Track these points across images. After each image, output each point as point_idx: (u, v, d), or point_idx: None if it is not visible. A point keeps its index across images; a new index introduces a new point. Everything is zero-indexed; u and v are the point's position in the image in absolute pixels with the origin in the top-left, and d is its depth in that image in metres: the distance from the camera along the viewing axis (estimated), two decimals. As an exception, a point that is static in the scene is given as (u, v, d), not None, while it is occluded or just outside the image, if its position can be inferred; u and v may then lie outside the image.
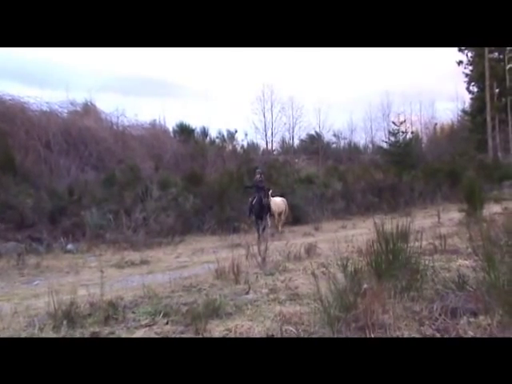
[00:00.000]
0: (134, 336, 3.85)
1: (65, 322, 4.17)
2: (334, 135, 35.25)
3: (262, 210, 12.85)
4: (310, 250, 7.85)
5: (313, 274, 4.76)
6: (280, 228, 14.61)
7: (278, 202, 14.55)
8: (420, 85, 50.23)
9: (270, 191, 13.73)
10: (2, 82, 24.10)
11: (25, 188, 12.40)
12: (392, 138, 29.12)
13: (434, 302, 3.75)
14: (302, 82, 44.64)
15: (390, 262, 4.32)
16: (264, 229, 12.74)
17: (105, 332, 4.05)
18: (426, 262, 4.54)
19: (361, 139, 36.76)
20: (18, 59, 35.36)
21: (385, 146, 30.76)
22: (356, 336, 3.32)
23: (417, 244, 4.72)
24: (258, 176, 13.48)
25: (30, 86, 29.09)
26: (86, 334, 3.96)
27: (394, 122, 30.05)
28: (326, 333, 3.49)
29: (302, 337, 3.43)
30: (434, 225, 11.29)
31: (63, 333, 3.90)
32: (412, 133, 31.95)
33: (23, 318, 4.79)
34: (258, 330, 3.77)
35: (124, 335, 3.92)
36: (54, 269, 8.48)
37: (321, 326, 3.65)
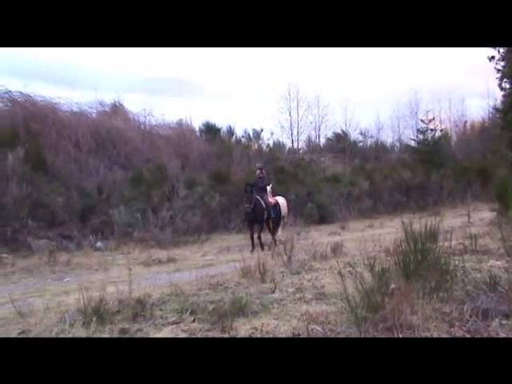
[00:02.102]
0: (161, 334, 3.89)
1: (94, 319, 4.25)
2: (361, 134, 34.91)
3: (262, 213, 10.85)
4: (337, 249, 7.79)
5: (339, 273, 4.72)
6: (280, 235, 11.65)
7: (283, 203, 12.49)
8: (449, 82, 49.20)
9: (270, 187, 11.79)
10: (34, 84, 24.82)
11: (56, 187, 12.65)
12: (420, 136, 28.64)
13: (465, 303, 3.66)
14: (329, 80, 44.32)
15: (419, 262, 4.25)
16: (274, 231, 11.48)
17: (133, 329, 4.11)
18: (456, 263, 4.45)
19: (388, 138, 36.26)
20: (49, 61, 36.20)
21: (413, 144, 30.28)
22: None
23: (446, 244, 4.64)
24: (257, 172, 11.67)
25: (61, 88, 29.80)
26: (115, 331, 4.01)
27: (422, 120, 29.53)
28: (352, 333, 3.46)
29: (328, 336, 3.41)
30: (464, 224, 11.08)
31: (93, 329, 3.96)
32: (441, 131, 31.29)
33: (54, 313, 4.90)
34: (283, 329, 3.76)
35: (151, 332, 3.96)
36: (83, 266, 8.65)
37: (347, 325, 3.62)
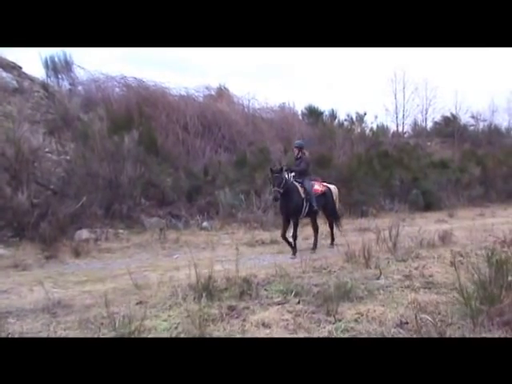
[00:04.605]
0: (267, 313, 3.98)
1: (204, 295, 4.46)
2: (472, 117, 32.55)
3: (299, 204, 8.38)
4: (445, 238, 7.45)
5: (452, 262, 4.52)
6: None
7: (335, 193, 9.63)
8: None
9: (290, 174, 8.61)
10: (146, 69, 26.23)
11: (165, 168, 13.37)
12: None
13: None
14: (438, 61, 41.80)
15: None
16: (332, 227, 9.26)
17: (240, 306, 4.26)
18: None
19: (503, 121, 33.55)
20: (159, 48, 38.01)
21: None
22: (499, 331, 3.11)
23: None
24: (295, 152, 9.14)
25: (169, 72, 31.20)
26: (223, 307, 4.19)
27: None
28: (465, 325, 3.33)
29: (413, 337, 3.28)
30: None
31: (203, 304, 4.15)
32: None
33: (167, 287, 5.23)
34: (390, 316, 3.71)
35: (258, 311, 4.09)
36: (191, 244, 9.06)
37: (460, 317, 3.48)
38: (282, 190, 8.01)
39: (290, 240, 8.26)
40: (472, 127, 33.07)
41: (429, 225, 11.20)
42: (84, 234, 9.52)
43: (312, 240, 8.93)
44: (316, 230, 8.98)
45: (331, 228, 9.29)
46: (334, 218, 9.35)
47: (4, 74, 12.47)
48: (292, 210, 8.31)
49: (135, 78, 17.96)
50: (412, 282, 4.74)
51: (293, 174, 8.58)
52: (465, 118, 31.89)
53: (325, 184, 9.36)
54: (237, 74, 35.93)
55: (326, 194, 9.06)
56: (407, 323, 3.48)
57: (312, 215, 8.90)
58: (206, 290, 4.58)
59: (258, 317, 3.84)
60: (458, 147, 27.43)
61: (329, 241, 9.28)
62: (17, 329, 3.89)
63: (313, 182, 8.89)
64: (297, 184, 8.47)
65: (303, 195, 8.41)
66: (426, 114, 31.03)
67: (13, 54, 18.79)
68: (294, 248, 8.13)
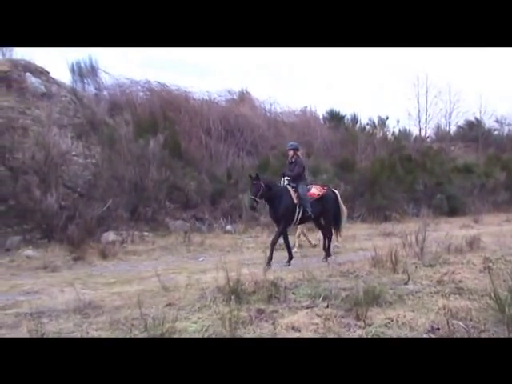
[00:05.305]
0: (296, 317, 3.99)
1: (233, 297, 4.49)
2: (497, 121, 32.07)
3: (289, 210, 7.80)
4: (473, 243, 7.35)
5: (484, 267, 4.47)
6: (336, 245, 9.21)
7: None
8: None
9: (284, 178, 8.14)
10: (169, 74, 26.50)
11: (189, 171, 13.51)
12: None
13: None
14: (461, 64, 41.23)
15: None
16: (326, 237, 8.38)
17: (268, 310, 4.28)
18: None
19: (529, 125, 32.89)
20: (180, 52, 38.38)
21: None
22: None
23: None
24: (290, 154, 8.37)
25: (192, 77, 31.50)
26: (252, 310, 4.21)
27: None
28: (499, 332, 3.30)
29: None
30: None
31: (232, 307, 4.18)
32: None
33: (195, 290, 5.27)
34: (421, 322, 3.69)
35: (287, 315, 4.10)
36: (215, 247, 9.15)
37: (493, 324, 3.45)
38: (259, 199, 7.72)
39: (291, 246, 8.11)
40: (496, 131, 32.56)
41: (454, 230, 11.07)
42: (110, 236, 9.68)
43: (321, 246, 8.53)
44: (326, 235, 8.39)
45: (328, 239, 8.36)
46: (334, 226, 8.53)
47: (33, 79, 12.74)
48: (281, 215, 7.82)
49: (158, 83, 18.19)
50: (442, 288, 4.70)
51: (287, 178, 8.09)
52: (489, 123, 31.43)
53: (327, 188, 8.72)
54: (259, 78, 35.97)
55: (325, 198, 8.29)
56: (439, 329, 3.46)
57: (314, 221, 8.52)
58: (235, 292, 4.60)
59: (287, 320, 3.84)
60: (483, 152, 27.04)
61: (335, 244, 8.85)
62: (51, 329, 3.97)
63: (310, 186, 8.33)
64: (289, 188, 7.94)
65: (295, 200, 7.84)
66: (450, 118, 30.65)
67: (41, 59, 19.23)
68: (289, 255, 7.76)
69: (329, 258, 7.84)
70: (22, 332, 3.77)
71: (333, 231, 8.49)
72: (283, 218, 7.79)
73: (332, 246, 8.57)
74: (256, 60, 41.06)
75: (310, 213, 7.92)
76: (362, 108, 46.93)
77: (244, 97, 20.78)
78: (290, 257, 7.79)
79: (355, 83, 39.00)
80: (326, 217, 8.38)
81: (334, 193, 8.70)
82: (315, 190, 8.19)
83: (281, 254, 8.05)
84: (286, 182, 8.02)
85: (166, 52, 35.55)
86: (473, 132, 30.43)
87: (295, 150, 8.39)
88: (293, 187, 7.94)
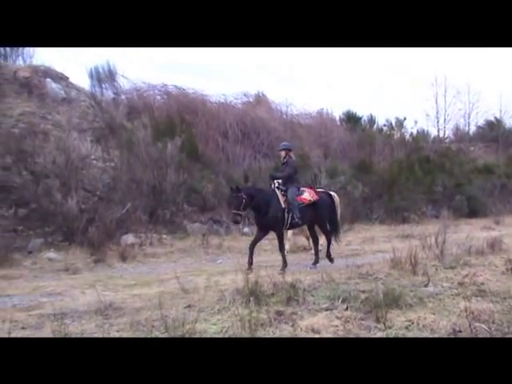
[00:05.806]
0: (316, 319, 3.99)
1: (252, 299, 4.51)
2: (518, 121, 31.61)
3: (277, 215, 7.40)
4: (495, 245, 7.27)
5: (510, 270, 4.43)
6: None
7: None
8: None
9: (274, 181, 7.87)
10: (186, 77, 26.73)
11: (206, 174, 13.57)
12: None
13: None
14: (481, 64, 40.67)
15: None
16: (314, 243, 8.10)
17: (288, 311, 4.29)
18: None
19: (552, 125, 32.31)
20: (197, 56, 38.58)
21: None
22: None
23: None
24: (282, 154, 8.03)
25: (209, 80, 31.58)
26: (271, 312, 4.23)
27: None
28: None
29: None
30: None
31: (251, 309, 4.20)
32: None
33: (214, 292, 5.30)
34: (442, 324, 3.67)
35: (306, 316, 4.11)
36: (233, 249, 9.19)
37: (516, 326, 3.41)
38: (242, 212, 7.40)
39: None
40: (517, 131, 32.07)
41: (475, 232, 10.94)
42: (129, 238, 9.78)
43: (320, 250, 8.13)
44: (315, 241, 8.04)
45: (314, 243, 8.07)
46: (332, 232, 8.13)
47: (53, 85, 12.97)
48: (271, 222, 7.45)
49: (175, 86, 18.31)
50: (463, 290, 4.66)
51: (277, 181, 7.76)
52: (510, 122, 30.97)
53: (320, 191, 8.19)
54: (275, 81, 36.00)
55: (319, 203, 7.77)
56: (460, 331, 3.44)
57: (307, 225, 8.14)
58: (254, 294, 4.63)
59: (306, 322, 3.85)
60: (503, 152, 26.66)
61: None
62: (73, 329, 4.03)
63: (302, 189, 7.79)
64: (278, 192, 7.56)
65: (283, 205, 7.43)
66: (469, 118, 30.28)
67: (60, 64, 19.51)
68: (284, 262, 7.33)
69: (317, 265, 7.57)
70: (46, 332, 3.84)
71: (331, 237, 8.09)
72: (274, 224, 7.47)
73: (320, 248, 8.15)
74: (269, 62, 41.10)
75: (296, 219, 7.53)
76: (379, 109, 46.52)
77: (260, 99, 20.81)
78: (285, 264, 7.33)
79: (370, 84, 38.81)
80: (320, 224, 8.01)
81: (330, 196, 8.31)
82: (307, 195, 7.69)
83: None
84: (277, 185, 7.71)
85: (169, 54, 35.71)
86: (493, 132, 30.01)
87: (287, 150, 8.03)
88: (282, 191, 7.60)
